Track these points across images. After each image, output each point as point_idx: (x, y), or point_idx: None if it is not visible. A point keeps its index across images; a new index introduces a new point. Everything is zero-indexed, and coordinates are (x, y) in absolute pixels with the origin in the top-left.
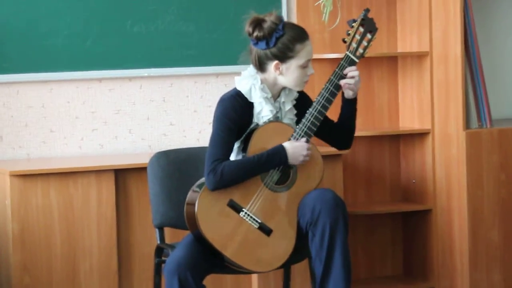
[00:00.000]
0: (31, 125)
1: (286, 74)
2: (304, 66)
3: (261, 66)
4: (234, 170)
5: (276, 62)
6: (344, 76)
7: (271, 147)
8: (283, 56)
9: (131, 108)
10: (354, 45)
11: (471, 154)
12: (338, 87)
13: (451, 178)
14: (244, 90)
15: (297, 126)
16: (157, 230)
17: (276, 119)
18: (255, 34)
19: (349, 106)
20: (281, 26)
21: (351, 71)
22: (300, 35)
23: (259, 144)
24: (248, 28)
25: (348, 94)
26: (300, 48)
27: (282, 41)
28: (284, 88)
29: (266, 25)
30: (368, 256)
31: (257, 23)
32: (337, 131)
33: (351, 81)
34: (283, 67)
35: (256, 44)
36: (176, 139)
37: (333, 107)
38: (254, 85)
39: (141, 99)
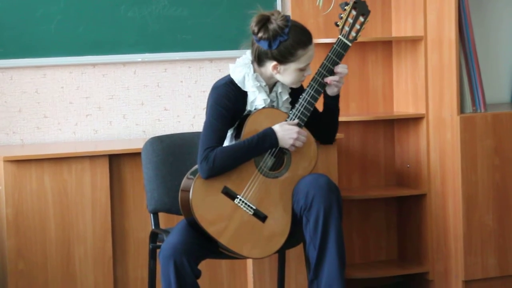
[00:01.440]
0: (25, 110)
1: (284, 74)
2: (302, 69)
3: (259, 61)
4: (226, 157)
5: (275, 63)
6: (337, 61)
7: None
8: (283, 59)
9: (125, 93)
10: (346, 28)
11: (465, 139)
12: (331, 71)
13: (446, 163)
14: (237, 79)
15: (291, 111)
16: (151, 215)
17: (272, 108)
18: (259, 35)
19: (332, 103)
20: (286, 30)
21: (342, 67)
22: (303, 40)
23: (252, 130)
24: (253, 27)
25: (333, 90)
26: (302, 54)
27: (285, 45)
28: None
29: (271, 27)
30: (362, 240)
31: (263, 24)
32: (321, 126)
33: (337, 78)
34: (281, 68)
35: (258, 41)
36: (170, 124)
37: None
38: (247, 73)
39: (135, 84)
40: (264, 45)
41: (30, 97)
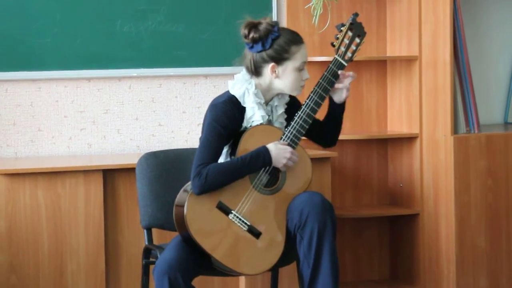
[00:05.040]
0: (19, 123)
1: (282, 77)
2: (300, 69)
3: (256, 70)
4: (219, 173)
5: (272, 64)
6: (333, 80)
7: None
8: (279, 58)
9: (120, 108)
10: (342, 49)
11: (459, 159)
12: (327, 91)
13: (439, 183)
14: (238, 94)
15: (286, 129)
16: (145, 231)
17: (268, 122)
18: (251, 35)
19: (339, 109)
20: (276, 28)
21: (347, 73)
22: (295, 38)
23: (247, 147)
24: (243, 30)
25: (341, 96)
26: (296, 50)
27: (278, 42)
28: (277, 94)
29: (261, 27)
30: (355, 259)
31: (253, 25)
32: (324, 131)
33: (343, 85)
34: (279, 69)
35: (251, 47)
36: (164, 139)
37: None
38: (248, 89)
39: (130, 99)
40: (258, 48)
41: (24, 110)
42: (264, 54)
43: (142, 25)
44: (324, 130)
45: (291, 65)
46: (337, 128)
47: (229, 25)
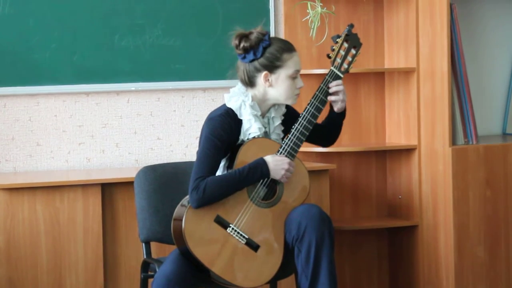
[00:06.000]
0: (18, 138)
1: (276, 85)
2: (293, 77)
3: (250, 81)
4: (217, 186)
5: (265, 72)
6: (330, 92)
7: None
8: (271, 66)
9: (118, 122)
10: (338, 60)
11: (457, 171)
12: (324, 102)
13: (437, 194)
14: (234, 107)
15: (283, 141)
16: (143, 244)
17: (265, 134)
18: (242, 45)
19: (339, 117)
20: (267, 37)
21: (336, 85)
22: (287, 45)
23: (244, 160)
24: (235, 41)
25: (338, 106)
26: (288, 58)
27: (270, 51)
28: (273, 105)
29: (252, 36)
30: (354, 271)
31: (243, 36)
32: (324, 134)
33: (338, 97)
34: (272, 77)
35: (243, 58)
36: (163, 153)
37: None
38: (244, 102)
39: (128, 113)
40: (249, 57)
41: (23, 125)
42: (256, 63)
43: (140, 39)
44: (324, 134)
45: (284, 73)
46: (337, 132)
47: (227, 38)
